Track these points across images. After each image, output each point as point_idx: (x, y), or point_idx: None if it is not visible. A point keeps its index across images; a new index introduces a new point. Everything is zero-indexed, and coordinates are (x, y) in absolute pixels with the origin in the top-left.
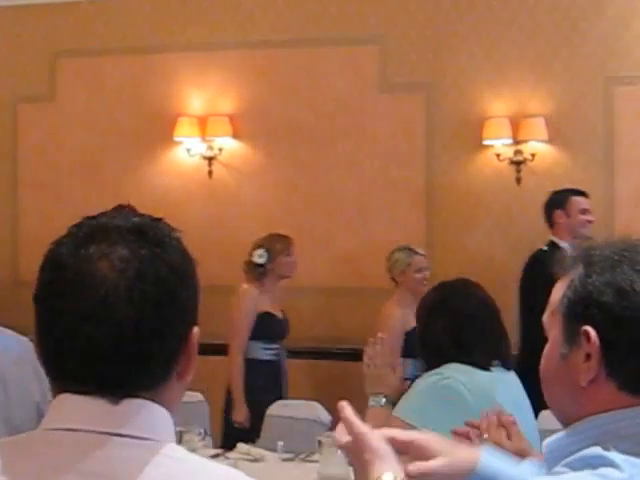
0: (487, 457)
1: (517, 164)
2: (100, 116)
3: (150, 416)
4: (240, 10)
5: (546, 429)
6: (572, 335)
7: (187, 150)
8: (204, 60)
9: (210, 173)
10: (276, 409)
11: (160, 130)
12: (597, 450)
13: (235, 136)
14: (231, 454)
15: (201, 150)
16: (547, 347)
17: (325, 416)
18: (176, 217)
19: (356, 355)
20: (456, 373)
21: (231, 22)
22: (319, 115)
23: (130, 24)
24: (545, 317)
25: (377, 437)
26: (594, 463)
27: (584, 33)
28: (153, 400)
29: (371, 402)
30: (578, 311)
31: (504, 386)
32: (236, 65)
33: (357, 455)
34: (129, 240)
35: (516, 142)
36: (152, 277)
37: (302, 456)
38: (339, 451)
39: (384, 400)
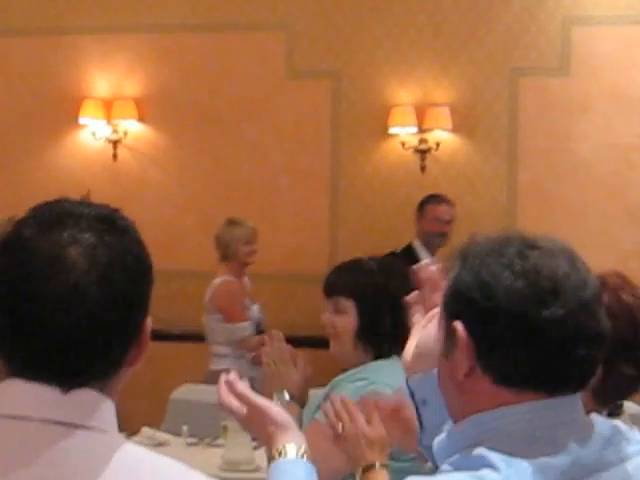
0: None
1: (422, 152)
2: (4, 98)
3: (101, 408)
4: None
5: None
6: (449, 333)
7: (92, 133)
8: (110, 43)
9: (115, 156)
10: (180, 393)
11: (65, 112)
12: (480, 449)
13: (140, 120)
14: (135, 438)
15: (106, 133)
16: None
17: None
18: None
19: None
20: (380, 375)
21: (139, 5)
22: (225, 100)
23: (35, 4)
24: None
25: (277, 410)
26: (476, 463)
27: (490, 24)
28: (101, 390)
29: (275, 400)
30: (451, 308)
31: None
32: (143, 48)
33: (259, 427)
34: (96, 227)
35: (421, 131)
36: (120, 266)
37: (207, 440)
38: (244, 435)
39: (287, 396)
